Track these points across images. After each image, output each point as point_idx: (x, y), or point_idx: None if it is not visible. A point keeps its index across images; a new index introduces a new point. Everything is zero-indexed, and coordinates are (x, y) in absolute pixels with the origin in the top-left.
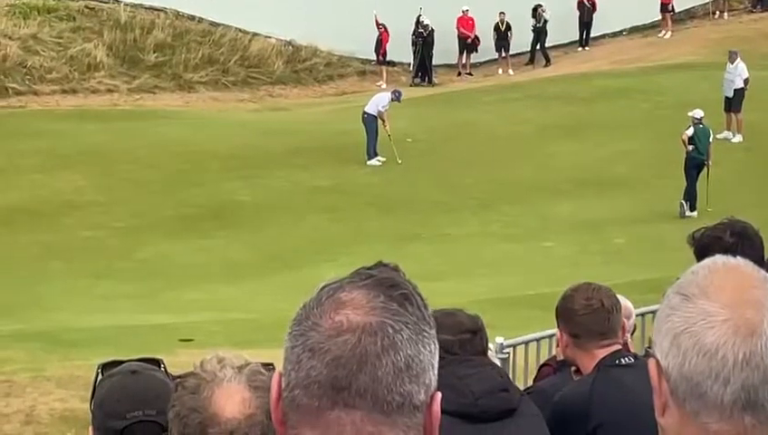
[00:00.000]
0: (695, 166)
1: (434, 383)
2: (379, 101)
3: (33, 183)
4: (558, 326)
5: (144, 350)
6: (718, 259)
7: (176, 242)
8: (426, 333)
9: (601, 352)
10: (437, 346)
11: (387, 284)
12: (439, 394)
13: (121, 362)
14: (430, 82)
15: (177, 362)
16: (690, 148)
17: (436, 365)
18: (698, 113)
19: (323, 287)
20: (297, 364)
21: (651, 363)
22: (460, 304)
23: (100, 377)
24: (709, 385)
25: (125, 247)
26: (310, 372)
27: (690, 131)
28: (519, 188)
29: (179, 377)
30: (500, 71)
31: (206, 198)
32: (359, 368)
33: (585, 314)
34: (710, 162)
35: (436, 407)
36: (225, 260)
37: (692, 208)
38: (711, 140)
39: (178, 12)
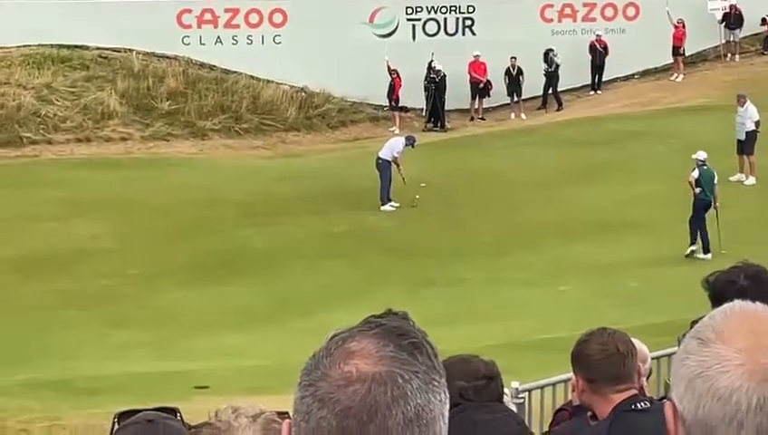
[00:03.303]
0: (703, 208)
1: (444, 432)
2: (393, 146)
3: (48, 231)
4: (573, 372)
5: (159, 397)
6: (736, 304)
7: (190, 289)
8: (436, 382)
9: (617, 398)
10: (447, 395)
11: (396, 332)
12: None
13: (138, 412)
14: (443, 127)
15: (193, 409)
16: (698, 190)
17: (447, 414)
18: (702, 155)
19: (332, 337)
20: (307, 415)
21: (667, 407)
22: (475, 348)
23: (116, 427)
24: (723, 430)
25: (140, 295)
26: (320, 422)
27: (696, 174)
28: (533, 232)
29: (194, 427)
30: (512, 115)
31: (221, 246)
32: (369, 418)
33: (600, 359)
34: (718, 204)
35: None
36: (240, 307)
37: (706, 251)
38: (716, 181)
39: (191, 60)
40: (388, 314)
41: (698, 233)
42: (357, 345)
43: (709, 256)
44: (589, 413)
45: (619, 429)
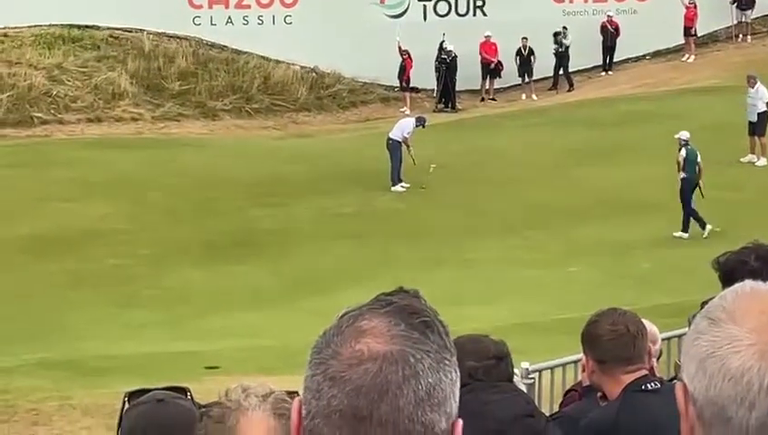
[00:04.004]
0: (692, 188)
1: (455, 411)
2: (403, 126)
3: (59, 211)
4: (583, 352)
5: (170, 377)
6: (747, 284)
7: (201, 269)
8: (447, 361)
9: (627, 378)
10: (458, 374)
11: (408, 311)
12: (461, 422)
13: (148, 391)
14: (453, 107)
15: (203, 389)
16: (682, 174)
17: (458, 393)
18: (684, 135)
19: (343, 315)
20: (317, 393)
21: (678, 387)
22: (485, 329)
23: (126, 406)
24: (734, 410)
25: (151, 275)
26: (330, 401)
27: (684, 153)
28: (543, 213)
29: (204, 406)
30: (523, 96)
31: (231, 226)
32: (380, 397)
33: (610, 339)
34: (701, 181)
35: (458, 433)
36: (251, 287)
37: (685, 230)
38: (699, 160)
39: (201, 40)
40: (399, 291)
41: (695, 213)
42: (368, 324)
43: (709, 227)
44: (599, 394)
45: (628, 409)
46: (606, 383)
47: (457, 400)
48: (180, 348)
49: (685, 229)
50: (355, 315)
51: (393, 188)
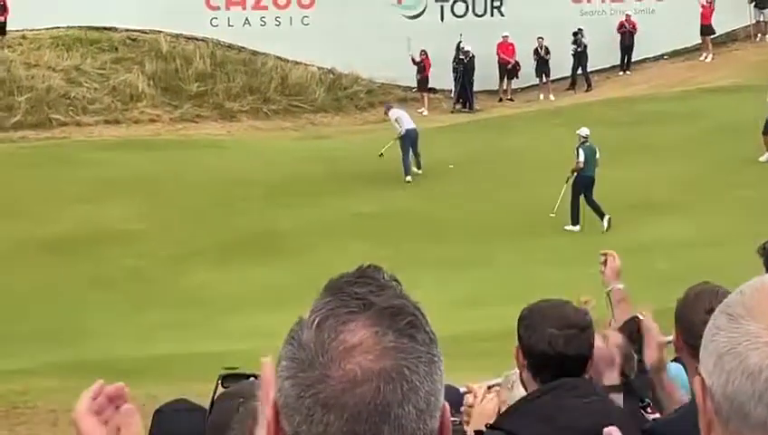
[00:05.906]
0: (585, 185)
1: (442, 400)
2: (403, 121)
3: (78, 213)
4: (675, 326)
5: (189, 379)
6: (766, 279)
7: (219, 270)
8: (435, 358)
9: None
10: (442, 360)
11: (390, 313)
12: (447, 405)
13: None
14: (471, 108)
15: (222, 390)
16: (579, 168)
17: (443, 380)
18: (584, 131)
19: (319, 321)
20: (309, 418)
21: (696, 382)
22: (504, 328)
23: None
24: (752, 407)
25: (169, 276)
26: (327, 428)
27: (582, 157)
28: (562, 213)
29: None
30: (541, 96)
31: (250, 227)
32: (382, 420)
33: (704, 329)
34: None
35: (447, 417)
36: (269, 287)
37: (575, 223)
38: (598, 156)
39: (219, 41)
40: (365, 278)
41: (595, 205)
42: (353, 337)
43: (578, 227)
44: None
45: None
46: (690, 366)
47: (444, 385)
48: (199, 349)
49: (574, 222)
50: (334, 326)
51: (407, 178)
